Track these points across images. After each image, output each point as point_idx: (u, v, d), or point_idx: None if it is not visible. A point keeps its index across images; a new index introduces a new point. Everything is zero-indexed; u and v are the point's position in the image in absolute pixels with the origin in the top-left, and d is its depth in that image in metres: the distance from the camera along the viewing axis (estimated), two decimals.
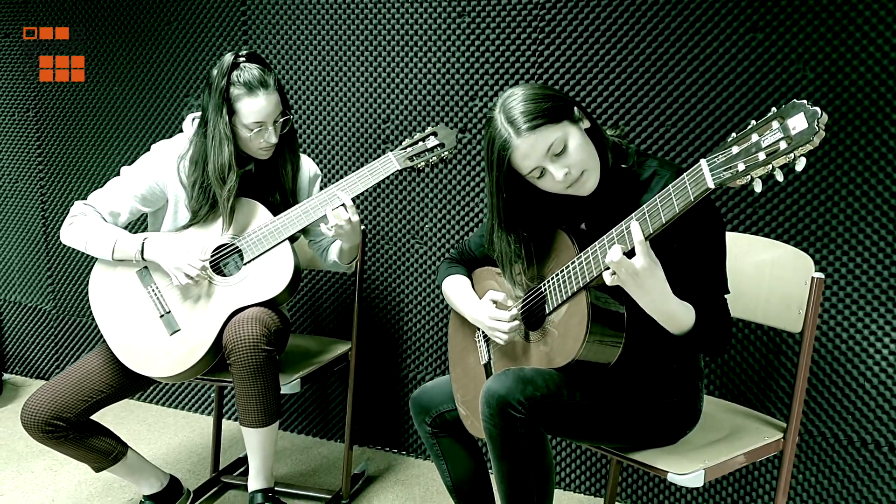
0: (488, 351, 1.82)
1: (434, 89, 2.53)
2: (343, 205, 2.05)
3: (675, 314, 1.49)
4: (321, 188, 2.27)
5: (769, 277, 1.88)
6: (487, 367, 1.81)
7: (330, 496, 2.45)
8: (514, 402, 1.52)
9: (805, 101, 1.20)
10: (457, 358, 1.92)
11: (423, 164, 2.16)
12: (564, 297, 1.60)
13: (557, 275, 1.62)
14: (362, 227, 2.36)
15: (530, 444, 1.55)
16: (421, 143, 2.16)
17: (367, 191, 2.23)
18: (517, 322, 1.70)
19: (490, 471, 1.87)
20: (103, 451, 2.09)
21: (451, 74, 2.50)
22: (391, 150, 2.15)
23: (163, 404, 3.22)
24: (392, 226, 2.67)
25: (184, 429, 3.02)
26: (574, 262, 1.58)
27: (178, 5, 2.87)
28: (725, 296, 1.60)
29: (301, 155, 2.25)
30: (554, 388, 1.56)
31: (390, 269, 2.70)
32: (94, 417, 2.09)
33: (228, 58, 2.03)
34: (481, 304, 1.76)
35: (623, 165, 1.63)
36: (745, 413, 1.93)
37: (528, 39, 2.37)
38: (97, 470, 2.13)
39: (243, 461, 2.71)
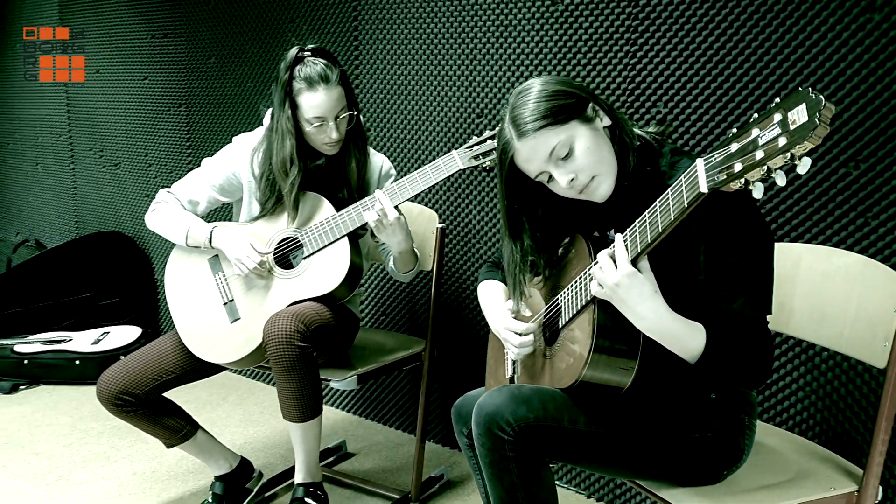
0: (513, 365, 1.69)
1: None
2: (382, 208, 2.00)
3: (677, 335, 1.30)
4: None
5: (857, 301, 1.59)
6: (511, 381, 1.68)
7: (399, 496, 2.41)
8: (503, 422, 1.39)
9: (810, 89, 0.99)
10: (491, 369, 1.81)
11: (489, 163, 2.05)
12: (575, 311, 1.44)
13: (572, 285, 1.47)
14: (441, 224, 2.30)
15: (522, 470, 1.41)
16: (490, 142, 2.05)
17: (432, 188, 2.16)
18: (530, 337, 1.55)
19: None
20: (172, 428, 2.18)
21: (543, 66, 2.36)
22: (456, 148, 2.07)
23: None
24: (483, 224, 2.58)
25: None
26: (585, 271, 1.42)
27: (300, 2, 2.96)
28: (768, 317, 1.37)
29: (374, 152, 2.23)
30: (553, 410, 1.41)
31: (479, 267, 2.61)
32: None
33: (292, 52, 2.04)
34: (500, 313, 1.63)
35: (648, 168, 1.43)
36: (822, 455, 1.65)
37: (620, 27, 2.19)
38: (168, 446, 2.23)
39: (332, 451, 2.74)
